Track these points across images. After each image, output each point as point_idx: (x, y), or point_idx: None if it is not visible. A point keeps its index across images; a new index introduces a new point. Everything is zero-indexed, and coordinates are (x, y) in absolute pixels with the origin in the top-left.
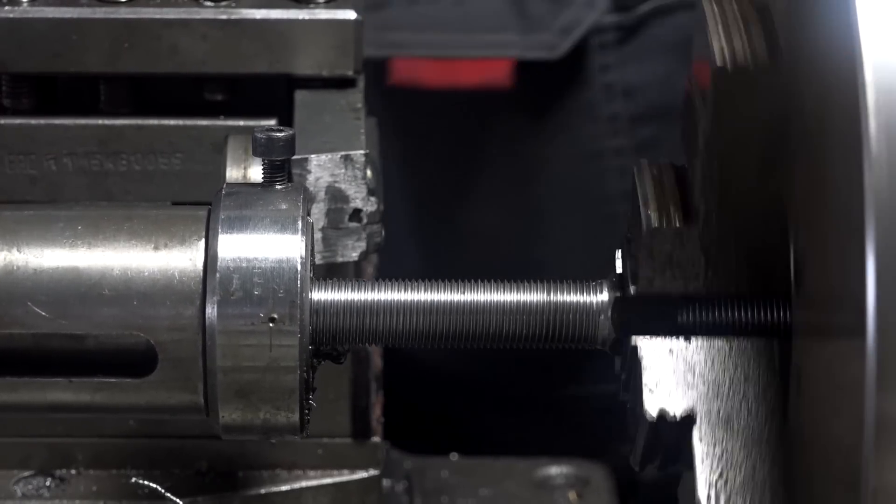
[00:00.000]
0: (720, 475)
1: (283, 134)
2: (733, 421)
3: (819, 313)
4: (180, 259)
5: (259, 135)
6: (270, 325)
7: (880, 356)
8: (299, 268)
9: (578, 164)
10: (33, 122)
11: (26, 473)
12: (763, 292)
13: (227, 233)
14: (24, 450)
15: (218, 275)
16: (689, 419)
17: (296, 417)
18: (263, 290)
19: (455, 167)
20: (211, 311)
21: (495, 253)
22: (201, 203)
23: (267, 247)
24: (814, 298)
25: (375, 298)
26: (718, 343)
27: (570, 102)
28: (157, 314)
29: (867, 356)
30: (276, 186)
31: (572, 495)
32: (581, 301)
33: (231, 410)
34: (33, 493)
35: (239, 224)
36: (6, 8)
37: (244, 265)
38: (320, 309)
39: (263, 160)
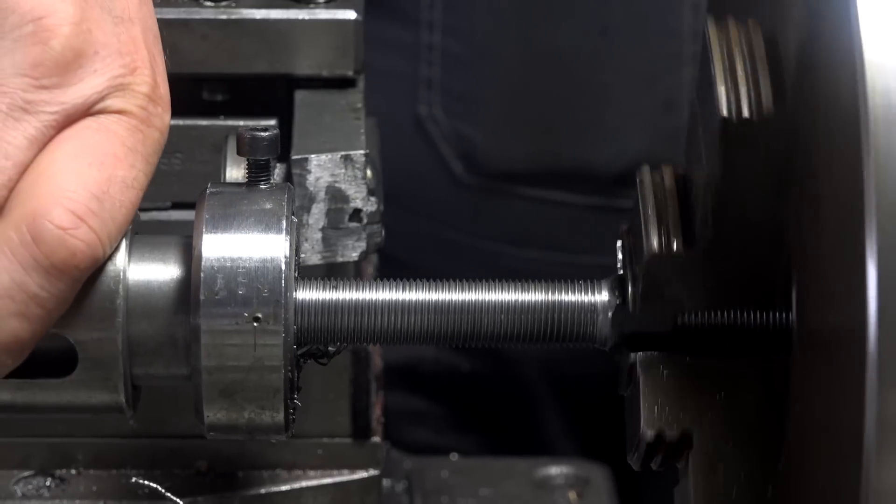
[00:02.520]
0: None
1: (267, 133)
2: (727, 448)
3: (820, 340)
4: None
5: (243, 134)
6: (255, 324)
7: (881, 357)
8: (283, 267)
9: None
10: None
11: (26, 473)
12: (762, 312)
13: (211, 232)
14: (24, 450)
15: (202, 274)
16: (686, 439)
17: (280, 417)
18: (247, 289)
19: None
20: (195, 310)
21: (564, 73)
22: None
23: (251, 246)
24: (815, 326)
25: (362, 298)
26: (716, 362)
27: None
28: (77, 313)
29: (868, 357)
30: (261, 186)
31: (572, 495)
32: (581, 301)
33: (215, 410)
34: (33, 493)
35: (223, 223)
36: None
37: (228, 265)
38: (305, 308)
39: (248, 159)
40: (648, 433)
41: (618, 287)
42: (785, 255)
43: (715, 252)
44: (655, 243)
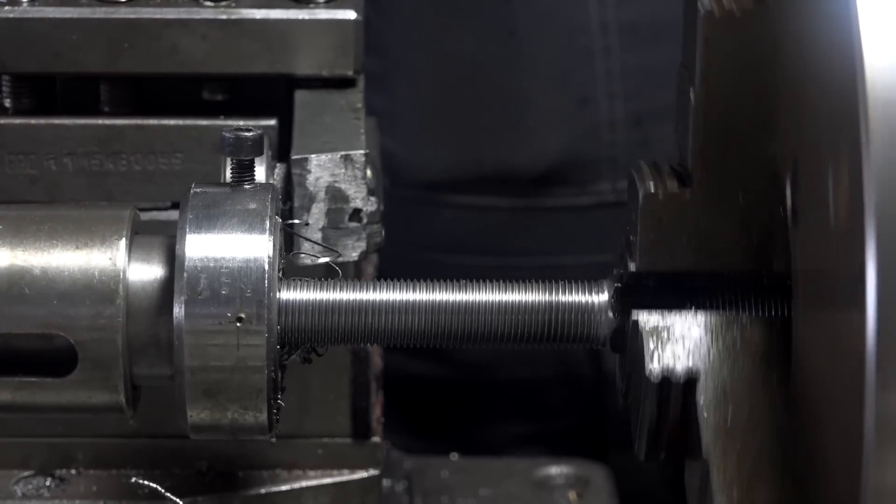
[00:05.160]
0: (726, 432)
1: (251, 134)
2: (736, 385)
3: (817, 288)
4: (100, 259)
5: (227, 135)
6: (238, 324)
7: (880, 356)
8: (266, 267)
9: None
10: (33, 122)
11: (26, 473)
12: (761, 268)
13: (194, 232)
14: (24, 450)
15: (185, 274)
16: (691, 381)
17: (264, 417)
18: (231, 289)
19: None
20: (178, 310)
21: (477, 79)
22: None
23: (234, 246)
24: (811, 273)
25: (345, 298)
26: (717, 317)
27: None
28: (77, 314)
29: (867, 356)
30: (245, 186)
31: (572, 495)
32: (581, 301)
33: (199, 410)
34: (33, 493)
35: (207, 224)
36: (6, 8)
37: (212, 265)
38: (288, 308)
39: (232, 160)
40: (655, 370)
41: (618, 277)
42: (780, 198)
43: (710, 196)
44: (651, 185)
